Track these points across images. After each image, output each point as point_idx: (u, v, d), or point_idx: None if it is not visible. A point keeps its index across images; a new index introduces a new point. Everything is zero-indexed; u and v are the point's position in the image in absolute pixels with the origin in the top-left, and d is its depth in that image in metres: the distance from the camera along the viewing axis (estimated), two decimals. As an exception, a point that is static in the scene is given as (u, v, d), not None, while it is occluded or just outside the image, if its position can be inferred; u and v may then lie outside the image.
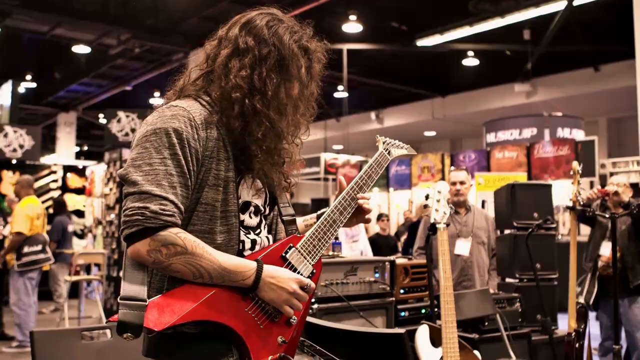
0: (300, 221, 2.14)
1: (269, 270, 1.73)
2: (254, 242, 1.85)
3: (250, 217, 1.87)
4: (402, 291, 4.06)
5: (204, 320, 1.63)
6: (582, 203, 4.24)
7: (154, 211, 1.61)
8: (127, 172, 1.67)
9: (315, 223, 1.95)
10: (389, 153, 2.25)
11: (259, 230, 1.90)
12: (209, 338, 1.67)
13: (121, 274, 1.68)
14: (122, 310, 1.58)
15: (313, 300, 3.44)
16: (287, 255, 1.83)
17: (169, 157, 1.67)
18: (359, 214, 2.08)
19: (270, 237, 1.95)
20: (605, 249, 5.21)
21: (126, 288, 1.62)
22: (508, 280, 5.14)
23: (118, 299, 1.62)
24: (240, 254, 1.79)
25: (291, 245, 1.86)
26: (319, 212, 2.07)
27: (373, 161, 2.17)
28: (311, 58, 1.92)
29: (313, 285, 1.82)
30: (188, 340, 1.66)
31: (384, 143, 2.26)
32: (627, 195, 5.05)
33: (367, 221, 2.13)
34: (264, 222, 1.94)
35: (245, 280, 1.69)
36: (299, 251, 1.86)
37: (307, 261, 1.87)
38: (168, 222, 1.63)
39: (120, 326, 1.56)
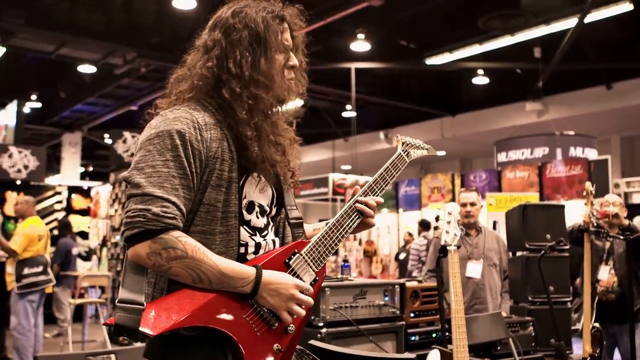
0: (310, 228, 2.15)
1: (268, 276, 1.75)
2: (258, 245, 1.87)
3: (257, 218, 1.89)
4: (412, 315, 4.05)
5: (200, 326, 1.64)
6: (595, 224, 4.22)
7: (155, 213, 1.63)
8: (131, 175, 1.70)
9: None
10: (407, 155, 2.24)
11: (265, 232, 1.91)
12: (205, 343, 1.69)
13: (121, 280, 1.70)
14: (118, 314, 1.60)
15: (321, 324, 3.43)
16: (291, 262, 1.85)
17: (171, 159, 1.70)
18: (364, 220, 2.06)
19: (277, 239, 1.96)
20: (604, 274, 5.10)
21: (124, 291, 1.65)
22: (520, 303, 5.11)
23: (116, 301, 1.64)
24: (243, 257, 1.81)
25: (296, 251, 1.87)
26: (329, 221, 2.07)
27: (389, 163, 2.16)
28: (291, 25, 1.97)
29: (311, 289, 1.82)
30: (184, 344, 1.67)
31: (403, 144, 2.26)
32: (623, 215, 4.97)
33: (371, 225, 2.09)
34: (271, 223, 1.95)
35: (245, 286, 1.71)
36: (304, 258, 1.87)
37: (311, 268, 1.88)
38: (170, 224, 1.65)
39: (116, 329, 1.59)
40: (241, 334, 1.71)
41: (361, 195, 2.05)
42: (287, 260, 1.84)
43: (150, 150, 1.71)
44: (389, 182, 2.14)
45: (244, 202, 1.85)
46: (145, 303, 1.63)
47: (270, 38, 1.89)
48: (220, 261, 1.70)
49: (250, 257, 1.83)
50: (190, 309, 1.63)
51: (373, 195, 2.07)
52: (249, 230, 1.86)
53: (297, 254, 1.86)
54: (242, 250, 1.83)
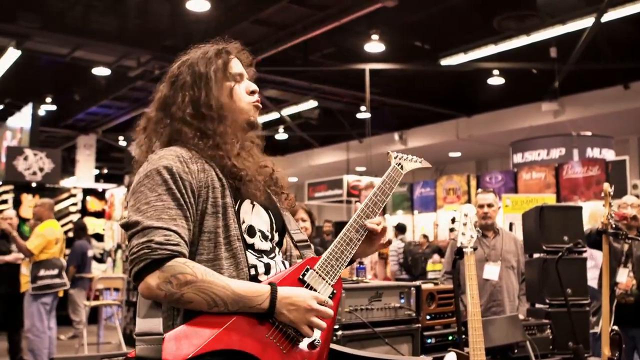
0: None
1: (284, 291, 1.73)
2: (267, 265, 1.86)
3: (260, 241, 1.89)
4: (428, 317, 4.03)
5: (224, 350, 1.62)
6: (614, 226, 4.19)
7: (159, 242, 1.64)
8: (128, 217, 1.73)
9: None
10: (401, 167, 2.23)
11: (273, 255, 1.91)
12: None
13: (136, 313, 1.70)
14: (139, 346, 1.59)
15: (337, 326, 3.42)
16: (305, 278, 1.83)
17: (164, 192, 1.73)
18: (373, 238, 2.05)
19: (287, 263, 1.96)
20: (622, 276, 5.06)
21: (141, 323, 1.65)
22: (538, 305, 5.08)
23: (134, 334, 1.63)
24: (254, 279, 1.80)
25: (308, 267, 1.86)
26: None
27: (386, 177, 2.16)
28: (230, 54, 2.01)
29: (330, 301, 1.81)
30: None
31: (395, 157, 2.25)
32: None
33: (385, 245, 2.11)
34: (276, 248, 1.95)
35: (261, 304, 1.69)
36: (317, 272, 1.86)
37: (326, 282, 1.86)
38: (175, 251, 1.65)
39: None
40: (266, 353, 1.69)
41: (366, 210, 2.03)
42: (300, 277, 1.83)
43: (142, 191, 1.74)
44: (389, 194, 2.14)
45: (244, 226, 1.86)
46: (163, 332, 1.62)
47: (213, 72, 1.94)
48: (233, 282, 1.69)
49: (262, 277, 1.82)
50: (212, 334, 1.62)
51: (377, 210, 2.06)
52: (255, 253, 1.86)
53: (310, 270, 1.85)
54: (253, 272, 1.82)
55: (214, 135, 1.88)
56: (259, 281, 1.79)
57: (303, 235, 2.04)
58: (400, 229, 11.37)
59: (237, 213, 1.84)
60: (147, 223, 1.67)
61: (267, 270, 1.85)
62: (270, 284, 1.73)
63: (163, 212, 1.69)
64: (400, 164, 2.23)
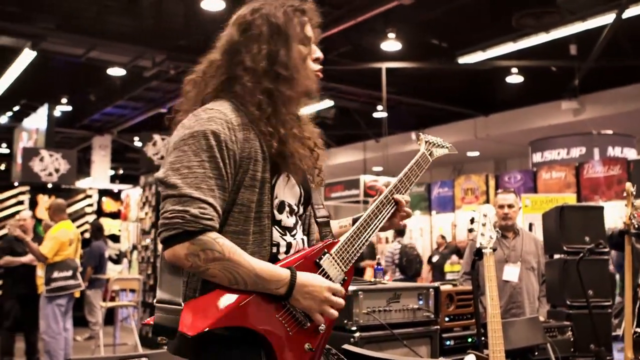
0: (336, 224, 2.17)
1: (302, 278, 1.77)
2: (289, 245, 1.90)
3: (287, 217, 1.91)
4: (447, 319, 4.02)
5: (236, 327, 1.67)
6: (637, 226, 4.15)
7: (194, 215, 1.66)
8: (166, 175, 1.72)
9: (350, 228, 2.00)
10: (430, 154, 2.28)
11: (295, 232, 1.94)
12: (238, 342, 1.72)
13: (158, 281, 1.73)
14: (157, 314, 1.66)
15: (354, 328, 3.42)
16: (321, 262, 1.87)
17: (207, 159, 1.72)
18: (392, 218, 2.10)
19: (305, 238, 1.99)
20: None
21: (162, 291, 1.70)
22: (558, 307, 5.04)
23: (154, 301, 1.69)
24: (275, 257, 1.84)
25: (325, 251, 1.90)
26: (354, 217, 2.12)
27: (413, 162, 2.21)
28: (311, 19, 1.98)
29: (343, 291, 1.85)
30: (218, 343, 1.69)
31: (426, 143, 2.30)
32: None
33: (400, 225, 2.15)
34: (299, 222, 1.97)
35: (279, 288, 1.74)
36: (333, 257, 1.90)
37: (340, 268, 1.91)
38: (207, 226, 1.67)
39: (155, 329, 1.64)
40: (274, 333, 1.74)
41: (389, 195, 2.08)
42: (317, 260, 1.87)
43: (185, 150, 1.73)
44: (413, 181, 2.18)
45: (276, 202, 1.88)
46: (182, 303, 1.66)
47: (292, 30, 1.90)
48: (256, 263, 1.72)
49: (281, 256, 1.86)
50: (226, 310, 1.67)
51: (398, 195, 2.11)
52: (280, 230, 1.89)
53: (327, 254, 1.89)
54: (274, 250, 1.86)
55: (280, 97, 1.85)
56: (278, 259, 1.83)
57: (325, 211, 2.06)
58: (399, 232, 11.50)
59: (273, 188, 1.86)
60: (186, 191, 1.67)
61: (288, 249, 1.89)
62: (289, 268, 1.77)
63: (203, 181, 1.69)
64: (430, 150, 2.29)
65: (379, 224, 2.04)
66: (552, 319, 4.75)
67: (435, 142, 2.35)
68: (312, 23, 1.99)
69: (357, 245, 1.96)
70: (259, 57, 1.85)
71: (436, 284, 4.07)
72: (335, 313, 1.82)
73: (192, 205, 1.66)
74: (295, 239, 1.93)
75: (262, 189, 1.81)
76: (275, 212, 1.88)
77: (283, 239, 1.89)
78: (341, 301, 1.83)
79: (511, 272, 4.92)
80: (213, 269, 1.67)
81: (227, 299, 1.68)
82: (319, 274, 1.85)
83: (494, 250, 3.47)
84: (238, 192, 1.78)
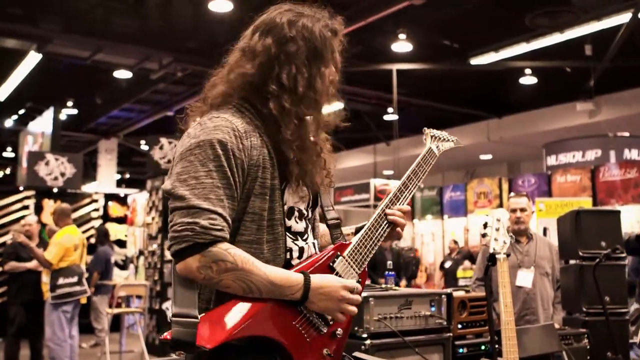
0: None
1: (317, 281, 1.78)
2: (301, 249, 1.91)
3: (297, 222, 1.92)
4: (460, 326, 4.00)
5: (254, 336, 1.69)
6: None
7: (203, 226, 1.66)
8: (173, 187, 1.72)
9: (353, 235, 2.04)
10: (437, 148, 2.32)
11: (306, 236, 1.95)
12: (256, 351, 1.73)
13: (170, 292, 1.74)
14: (175, 328, 1.65)
15: (365, 335, 3.41)
16: (335, 265, 1.89)
17: (214, 169, 1.72)
18: (392, 232, 2.11)
19: (316, 242, 2.00)
20: None
21: (177, 305, 1.69)
22: (574, 314, 5.02)
23: (170, 316, 1.69)
24: (288, 262, 1.86)
25: (338, 253, 1.92)
26: (357, 226, 2.14)
27: (420, 158, 2.25)
28: (340, 39, 1.99)
29: (359, 287, 1.87)
30: (236, 353, 1.70)
31: (432, 137, 2.35)
32: None
33: (399, 236, 2.14)
34: (309, 225, 1.98)
35: (295, 294, 1.75)
36: (347, 260, 1.92)
37: (354, 270, 1.93)
38: (218, 237, 1.68)
39: (173, 343, 1.64)
40: (292, 340, 1.76)
41: (397, 193, 2.12)
42: (330, 264, 1.89)
43: (192, 161, 1.73)
44: (421, 177, 2.22)
45: (285, 208, 1.89)
46: (199, 316, 1.67)
47: (327, 55, 1.91)
48: (269, 271, 1.73)
49: (295, 261, 1.88)
50: (243, 320, 1.68)
51: (407, 193, 2.15)
52: (291, 236, 1.90)
53: (340, 257, 1.91)
54: (287, 255, 1.87)
55: (297, 119, 1.85)
56: (292, 265, 1.85)
57: (335, 213, 2.08)
58: None
59: (282, 194, 1.87)
60: (194, 202, 1.68)
61: (301, 254, 1.91)
62: (303, 273, 1.79)
63: (211, 192, 1.70)
64: (437, 144, 2.33)
65: (387, 227, 2.05)
66: (567, 326, 4.73)
67: (441, 136, 2.39)
68: (340, 46, 2.00)
69: (370, 246, 1.98)
70: (299, 79, 1.85)
71: (448, 290, 4.05)
72: (354, 310, 1.83)
73: (201, 217, 1.67)
74: (307, 243, 1.94)
75: (272, 196, 1.82)
76: (285, 218, 1.88)
77: (295, 244, 1.90)
78: (358, 297, 1.85)
79: (525, 278, 4.90)
80: (226, 280, 1.68)
81: (242, 309, 1.69)
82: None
83: (508, 255, 3.45)
84: (248, 201, 1.79)
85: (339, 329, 1.88)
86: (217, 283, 1.69)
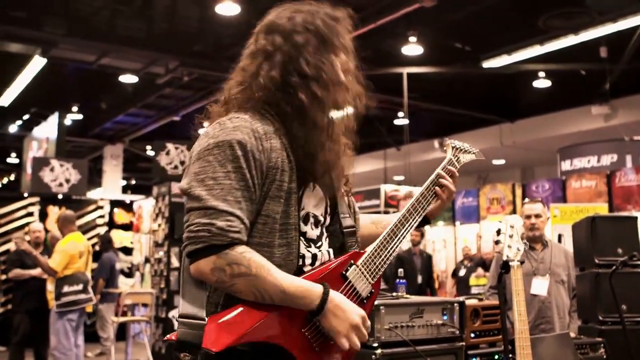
0: (367, 220, 2.24)
1: (336, 297, 1.77)
2: (314, 256, 1.90)
3: (312, 229, 1.92)
4: (472, 335, 3.99)
5: (261, 342, 1.68)
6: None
7: (220, 227, 1.66)
8: (190, 187, 1.73)
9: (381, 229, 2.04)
10: (457, 160, 2.31)
11: (320, 243, 1.94)
12: (261, 357, 1.72)
13: (177, 299, 1.75)
14: (180, 329, 1.67)
15: (376, 344, 3.41)
16: (348, 274, 1.88)
17: (233, 170, 1.72)
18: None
19: (331, 250, 1.98)
20: None
21: (185, 305, 1.71)
22: (590, 323, 4.99)
23: (177, 316, 1.70)
24: (300, 269, 1.84)
25: (352, 262, 1.90)
26: (383, 218, 2.20)
27: (440, 169, 2.24)
28: (344, 25, 1.99)
29: (368, 324, 1.85)
30: (241, 358, 1.69)
31: (453, 148, 2.33)
32: None
33: (443, 202, 2.20)
34: (325, 233, 1.98)
35: (310, 304, 1.74)
36: (360, 269, 1.90)
37: (367, 280, 1.91)
38: (235, 239, 1.68)
39: (178, 345, 1.65)
40: (300, 348, 1.75)
41: (416, 204, 2.12)
42: (343, 272, 1.87)
43: (210, 161, 1.73)
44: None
45: (301, 213, 1.89)
46: (206, 318, 1.67)
47: (336, 42, 1.92)
48: (284, 280, 1.72)
49: (307, 268, 1.86)
50: (251, 324, 1.67)
51: (425, 204, 2.16)
52: (305, 242, 1.89)
53: (354, 266, 1.90)
54: (300, 262, 1.86)
55: (331, 107, 1.87)
56: (304, 272, 1.83)
57: (350, 220, 2.07)
58: None
59: (300, 199, 1.87)
60: (212, 203, 1.68)
61: (314, 262, 1.89)
62: (322, 284, 1.77)
63: (229, 193, 1.70)
64: (457, 156, 2.32)
65: (406, 233, 2.05)
66: (583, 335, 4.70)
67: (462, 147, 2.37)
68: (347, 32, 2.00)
69: (385, 256, 1.97)
70: (320, 65, 1.86)
71: (461, 298, 4.04)
72: (358, 345, 1.80)
73: (218, 218, 1.67)
74: (320, 250, 1.93)
75: (288, 200, 1.81)
76: (301, 223, 1.88)
77: (308, 250, 1.89)
78: (366, 334, 1.83)
79: (540, 286, 4.89)
80: (239, 285, 1.68)
81: (251, 314, 1.69)
82: (346, 286, 1.86)
83: (522, 262, 3.44)
84: (263, 203, 1.78)
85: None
86: (229, 287, 1.69)
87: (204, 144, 1.77)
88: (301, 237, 1.87)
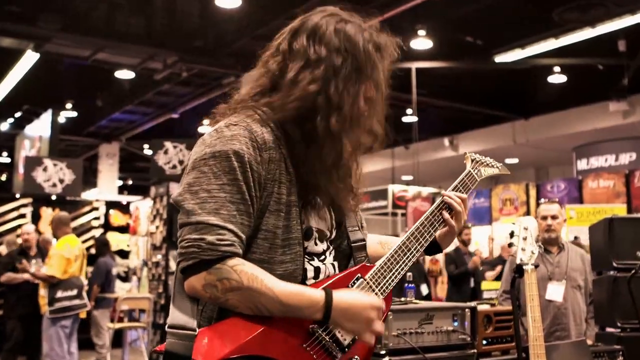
0: (375, 240, 2.18)
1: (339, 300, 1.74)
2: (317, 269, 1.88)
3: (316, 244, 1.90)
4: (484, 342, 3.98)
5: (255, 355, 1.65)
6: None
7: (210, 242, 1.65)
8: (184, 199, 1.71)
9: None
10: (477, 173, 2.27)
11: (323, 257, 1.92)
12: None
13: (171, 301, 1.74)
14: (169, 340, 1.64)
15: (383, 352, 3.40)
16: (354, 287, 1.85)
17: (228, 182, 1.70)
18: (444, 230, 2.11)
19: (335, 264, 1.97)
20: None
21: (175, 315, 1.68)
22: (608, 329, 4.98)
23: (166, 326, 1.68)
24: (302, 283, 1.81)
25: (359, 275, 1.87)
26: (395, 239, 2.11)
27: (459, 182, 2.19)
28: (384, 55, 1.95)
29: (383, 306, 1.83)
30: None
31: (472, 161, 2.28)
32: None
33: (452, 228, 2.11)
34: (330, 247, 1.96)
35: (314, 314, 1.71)
36: (368, 283, 1.87)
37: (377, 294, 1.87)
38: (227, 252, 1.66)
39: (166, 356, 1.63)
40: None
41: (431, 217, 2.07)
42: (350, 285, 1.84)
43: (205, 172, 1.72)
44: None
45: (304, 227, 1.86)
46: (197, 329, 1.65)
47: (368, 72, 1.87)
48: (281, 290, 1.69)
49: (309, 282, 1.84)
50: (245, 337, 1.65)
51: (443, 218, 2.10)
52: (307, 256, 1.86)
53: (361, 279, 1.87)
54: (301, 276, 1.83)
55: (339, 143, 1.83)
56: (306, 285, 1.80)
57: (359, 234, 2.05)
58: None
59: (300, 212, 1.84)
60: (202, 218, 1.66)
61: (317, 275, 1.87)
62: (324, 289, 1.74)
63: (223, 207, 1.68)
64: (477, 169, 2.27)
65: (420, 247, 2.00)
66: (600, 342, 4.69)
67: (484, 160, 2.32)
68: (387, 55, 1.96)
69: (396, 270, 1.93)
70: (345, 95, 1.81)
71: (473, 303, 4.03)
72: (382, 330, 1.81)
73: (209, 233, 1.65)
74: (324, 263, 1.91)
75: (288, 214, 1.79)
76: (302, 238, 1.86)
77: (310, 264, 1.87)
78: (382, 327, 1.82)
79: (555, 291, 4.87)
80: (232, 300, 1.66)
81: (247, 326, 1.67)
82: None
83: (536, 266, 3.43)
84: (262, 217, 1.76)
85: (356, 357, 1.83)
86: (223, 302, 1.67)
87: (200, 152, 1.75)
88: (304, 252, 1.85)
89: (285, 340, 1.70)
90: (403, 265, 1.94)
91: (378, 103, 1.93)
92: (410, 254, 1.97)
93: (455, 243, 10.77)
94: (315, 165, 1.82)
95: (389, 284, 1.91)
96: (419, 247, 2.00)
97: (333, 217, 1.97)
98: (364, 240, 2.04)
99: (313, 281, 1.85)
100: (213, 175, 1.71)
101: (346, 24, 1.88)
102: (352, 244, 2.01)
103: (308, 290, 1.73)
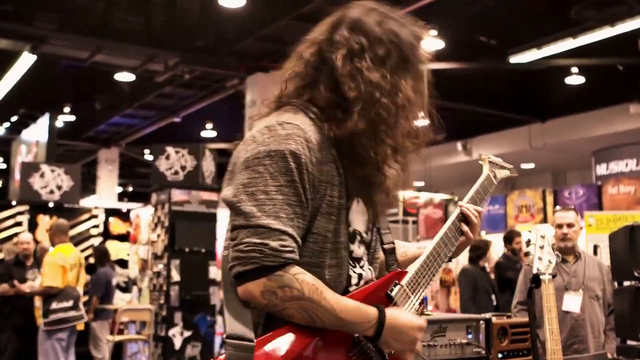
0: (400, 247, 2.19)
1: (391, 319, 1.79)
2: (360, 276, 1.92)
3: (359, 247, 1.93)
4: (500, 355, 3.97)
5: None
6: None
7: (273, 248, 1.66)
8: (239, 200, 1.71)
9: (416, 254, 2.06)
10: (494, 176, 2.35)
11: (362, 262, 1.95)
12: None
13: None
14: (229, 351, 1.66)
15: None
16: (393, 294, 1.88)
17: (285, 184, 1.71)
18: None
19: (371, 268, 2.00)
20: None
21: (233, 325, 1.69)
22: (629, 342, 4.97)
23: (224, 336, 1.70)
24: (346, 290, 1.85)
25: (396, 282, 1.91)
26: (423, 246, 2.15)
27: (479, 186, 2.28)
28: (423, 48, 1.99)
29: (425, 326, 1.89)
30: None
31: (490, 163, 2.36)
32: None
33: (469, 238, 2.16)
34: (366, 251, 1.99)
35: (366, 331, 1.76)
36: (405, 290, 1.91)
37: (413, 301, 1.92)
38: (288, 259, 1.68)
39: None
40: None
41: (457, 222, 2.14)
42: (388, 292, 1.88)
43: (261, 172, 1.72)
44: (481, 207, 2.25)
45: (349, 230, 1.90)
46: (254, 339, 1.67)
47: (411, 67, 1.92)
48: (338, 303, 1.73)
49: (352, 288, 1.87)
50: (299, 349, 1.69)
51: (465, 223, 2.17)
52: (351, 262, 1.89)
53: (398, 285, 1.90)
54: (346, 282, 1.87)
55: (391, 138, 1.86)
56: (349, 291, 1.84)
57: (390, 236, 2.08)
58: None
59: (347, 215, 1.87)
60: (264, 221, 1.67)
61: (359, 281, 1.91)
62: (377, 306, 1.79)
63: (282, 209, 1.69)
64: (494, 172, 2.36)
65: (448, 252, 2.07)
66: (621, 356, 4.67)
67: (497, 162, 2.40)
68: (423, 58, 1.99)
69: (429, 276, 1.98)
70: (400, 85, 1.86)
71: (487, 315, 4.03)
72: (421, 349, 1.90)
73: (271, 237, 1.66)
74: (363, 270, 1.94)
75: (338, 217, 1.82)
76: (349, 241, 1.90)
77: (354, 271, 1.90)
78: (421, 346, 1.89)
79: (572, 302, 4.86)
80: (290, 309, 1.69)
81: (299, 338, 1.71)
82: (392, 307, 1.87)
83: (554, 276, 3.43)
84: (314, 220, 1.78)
85: None
86: (280, 311, 1.69)
87: (253, 151, 1.75)
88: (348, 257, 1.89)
89: (334, 350, 1.76)
90: (434, 271, 2.00)
91: (423, 94, 2.00)
92: (440, 260, 2.03)
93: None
94: (363, 164, 1.85)
95: (422, 290, 1.96)
96: (447, 252, 2.07)
97: (370, 220, 2.00)
98: (393, 243, 2.08)
99: (355, 287, 1.88)
100: (270, 175, 1.71)
101: (387, 17, 1.92)
102: (385, 247, 2.04)
103: (363, 307, 1.77)
